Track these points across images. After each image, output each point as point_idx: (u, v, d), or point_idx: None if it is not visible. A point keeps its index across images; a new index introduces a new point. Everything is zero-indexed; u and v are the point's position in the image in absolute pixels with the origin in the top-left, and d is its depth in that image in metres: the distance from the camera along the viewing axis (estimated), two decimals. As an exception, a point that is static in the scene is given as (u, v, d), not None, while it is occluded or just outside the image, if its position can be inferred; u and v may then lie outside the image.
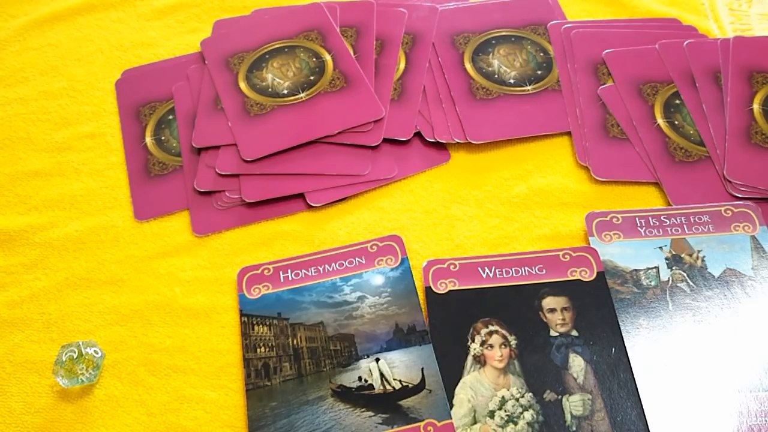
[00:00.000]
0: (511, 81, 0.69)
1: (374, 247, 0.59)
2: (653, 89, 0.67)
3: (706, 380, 0.50)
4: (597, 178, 0.63)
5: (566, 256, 0.57)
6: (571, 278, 0.56)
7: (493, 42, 0.73)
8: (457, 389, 0.51)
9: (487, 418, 0.50)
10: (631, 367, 0.51)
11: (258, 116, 0.67)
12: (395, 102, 0.68)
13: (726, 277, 0.55)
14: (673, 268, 0.56)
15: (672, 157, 0.63)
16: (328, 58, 0.71)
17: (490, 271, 0.57)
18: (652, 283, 0.55)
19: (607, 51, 0.70)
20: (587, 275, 0.56)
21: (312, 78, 0.70)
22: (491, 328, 0.54)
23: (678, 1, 0.77)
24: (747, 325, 0.53)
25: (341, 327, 0.56)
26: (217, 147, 0.66)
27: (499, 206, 0.63)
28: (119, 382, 0.55)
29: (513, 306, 0.55)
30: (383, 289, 0.57)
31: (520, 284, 0.56)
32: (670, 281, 0.55)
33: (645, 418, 0.49)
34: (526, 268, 0.57)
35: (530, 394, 0.51)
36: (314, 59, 0.71)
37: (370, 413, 0.51)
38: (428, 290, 0.56)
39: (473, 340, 0.53)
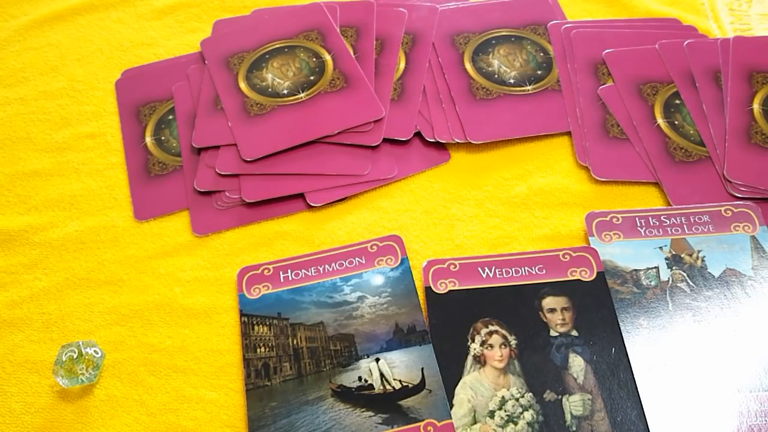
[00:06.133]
0: (511, 81, 0.69)
1: (374, 247, 0.59)
2: (653, 89, 0.67)
3: (706, 380, 0.50)
4: (597, 178, 0.63)
5: (566, 256, 0.57)
6: (571, 278, 0.56)
7: (493, 42, 0.73)
8: (457, 389, 0.51)
9: (487, 418, 0.50)
10: (631, 367, 0.51)
11: (258, 116, 0.67)
12: (395, 102, 0.68)
13: (726, 277, 0.55)
14: (673, 268, 0.56)
15: (672, 157, 0.63)
16: (328, 58, 0.71)
17: (490, 271, 0.57)
18: (652, 283, 0.55)
19: (607, 51, 0.70)
20: (587, 275, 0.56)
21: (312, 78, 0.70)
22: (491, 328, 0.54)
23: (678, 1, 0.77)
24: (747, 325, 0.53)
25: (341, 327, 0.56)
26: (217, 147, 0.66)
27: (499, 206, 0.63)
28: (119, 382, 0.55)
29: (513, 306, 0.55)
30: (383, 289, 0.57)
31: (520, 284, 0.56)
32: (670, 281, 0.55)
33: (645, 418, 0.49)
34: (526, 268, 0.57)
35: (530, 394, 0.51)
36: (314, 59, 0.71)
37: (370, 413, 0.51)
38: (428, 290, 0.56)
39: (473, 340, 0.53)
